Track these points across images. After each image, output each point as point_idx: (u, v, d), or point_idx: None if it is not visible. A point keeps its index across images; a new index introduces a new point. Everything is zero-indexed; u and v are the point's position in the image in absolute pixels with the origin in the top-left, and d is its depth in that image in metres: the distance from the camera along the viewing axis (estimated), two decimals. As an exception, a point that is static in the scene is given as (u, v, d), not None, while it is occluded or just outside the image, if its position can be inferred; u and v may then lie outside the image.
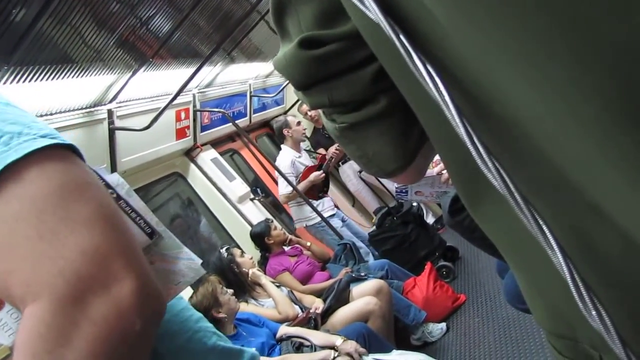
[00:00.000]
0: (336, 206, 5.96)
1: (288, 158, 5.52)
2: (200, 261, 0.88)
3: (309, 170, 5.48)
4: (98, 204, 0.68)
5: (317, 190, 5.42)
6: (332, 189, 6.23)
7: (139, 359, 0.64)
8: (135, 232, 0.83)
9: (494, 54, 0.38)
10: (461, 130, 0.41)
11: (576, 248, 0.43)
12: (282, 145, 5.78)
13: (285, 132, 5.67)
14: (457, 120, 0.40)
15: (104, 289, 0.61)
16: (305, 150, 5.94)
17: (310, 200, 5.30)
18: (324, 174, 5.42)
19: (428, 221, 5.66)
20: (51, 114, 3.33)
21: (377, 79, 0.53)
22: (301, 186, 5.28)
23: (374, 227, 5.34)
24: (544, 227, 0.40)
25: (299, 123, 5.77)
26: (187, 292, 3.84)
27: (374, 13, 0.42)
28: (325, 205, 5.53)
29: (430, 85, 0.41)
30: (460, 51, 0.41)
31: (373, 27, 0.45)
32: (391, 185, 5.88)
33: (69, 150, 0.74)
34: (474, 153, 0.41)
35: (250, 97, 6.38)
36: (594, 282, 0.41)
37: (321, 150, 6.13)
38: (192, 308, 1.29)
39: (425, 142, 0.58)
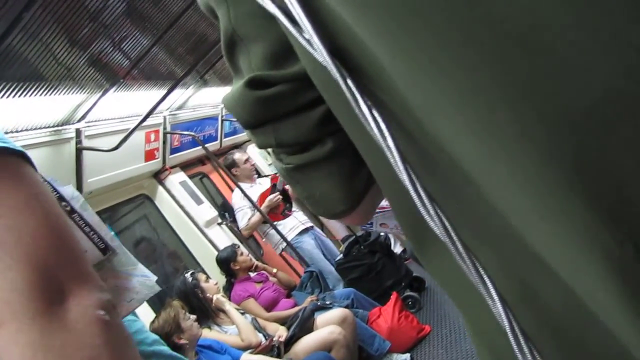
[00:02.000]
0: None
1: (237, 193, 5.51)
2: (155, 278, 0.86)
3: (263, 195, 5.47)
4: (45, 215, 0.66)
5: (279, 211, 5.42)
6: (301, 214, 6.22)
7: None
8: (88, 247, 0.81)
9: (438, 102, 0.39)
10: (404, 177, 0.41)
11: (519, 297, 0.43)
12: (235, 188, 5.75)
13: (234, 171, 5.66)
14: (401, 166, 0.41)
15: (58, 302, 0.60)
16: (258, 179, 5.95)
17: (279, 222, 5.32)
18: (279, 194, 5.41)
19: (395, 251, 5.66)
20: (17, 132, 3.27)
21: (324, 121, 0.53)
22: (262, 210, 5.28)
23: (341, 255, 5.33)
24: (485, 277, 0.40)
25: (246, 161, 5.76)
26: (148, 315, 3.78)
27: (322, 55, 0.43)
28: (295, 222, 5.51)
29: (375, 130, 0.41)
30: (405, 97, 0.41)
31: (321, 69, 0.45)
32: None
33: (21, 158, 0.70)
34: (416, 200, 0.41)
35: (222, 121, 6.37)
36: (536, 333, 0.41)
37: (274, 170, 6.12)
38: (147, 331, 1.26)
39: (372, 184, 0.58)
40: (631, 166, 0.34)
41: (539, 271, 0.42)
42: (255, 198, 5.44)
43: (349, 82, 0.42)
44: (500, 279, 0.41)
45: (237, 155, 5.73)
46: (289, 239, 5.34)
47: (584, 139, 0.34)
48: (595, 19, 0.32)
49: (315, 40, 0.43)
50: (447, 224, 0.41)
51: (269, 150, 0.59)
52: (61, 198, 0.81)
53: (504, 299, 0.40)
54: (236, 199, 5.52)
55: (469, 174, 0.41)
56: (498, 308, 0.40)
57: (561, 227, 0.37)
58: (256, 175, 5.98)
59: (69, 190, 0.84)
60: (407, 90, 0.40)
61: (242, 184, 5.53)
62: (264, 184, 5.79)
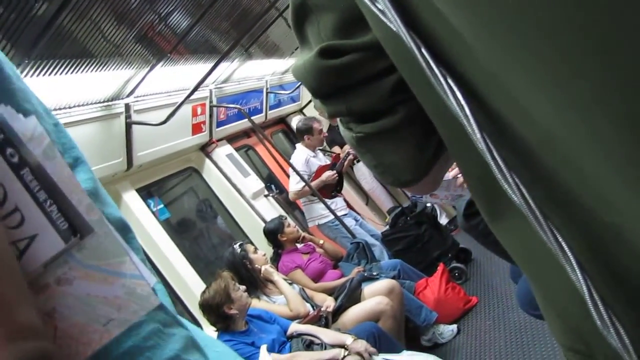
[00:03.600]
0: (349, 207, 5.95)
1: (302, 156, 5.52)
2: (154, 282, 0.55)
3: (322, 169, 5.46)
4: None
5: (330, 190, 5.41)
6: (347, 187, 6.22)
7: None
8: (38, 225, 0.48)
9: (516, 72, 0.38)
10: (481, 145, 0.41)
11: (595, 266, 0.43)
12: (297, 145, 5.78)
13: (305, 137, 5.64)
14: (478, 134, 0.40)
15: None
16: (319, 149, 5.93)
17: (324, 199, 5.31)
18: (337, 174, 5.41)
19: (442, 222, 5.64)
20: (69, 107, 3.36)
21: (396, 90, 0.53)
22: (313, 184, 5.27)
23: (387, 227, 5.33)
24: (563, 244, 0.40)
25: (320, 131, 5.74)
26: (198, 286, 3.86)
27: (396, 25, 0.42)
28: (338, 204, 5.52)
29: (451, 98, 0.41)
30: (482, 67, 0.41)
31: (394, 38, 0.45)
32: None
33: None
34: (493, 168, 0.41)
35: (267, 93, 6.39)
36: (612, 300, 0.41)
37: (336, 149, 6.12)
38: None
39: (441, 154, 0.58)
40: None
41: (615, 240, 0.42)
42: (314, 168, 5.45)
43: (424, 50, 0.42)
44: (575, 248, 0.41)
45: (316, 125, 5.69)
46: (330, 217, 5.33)
47: None
48: None
49: (389, 9, 0.42)
50: (524, 192, 0.40)
51: (339, 119, 0.59)
52: (7, 141, 0.50)
53: (582, 266, 0.40)
54: (299, 161, 5.51)
55: (547, 142, 0.40)
56: (577, 274, 0.40)
57: (637, 195, 0.36)
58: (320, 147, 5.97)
59: (28, 125, 0.50)
60: (484, 59, 0.40)
61: (305, 149, 5.55)
62: (322, 159, 5.80)
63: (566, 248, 0.40)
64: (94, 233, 0.50)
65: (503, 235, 0.54)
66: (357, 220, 5.63)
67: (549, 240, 0.40)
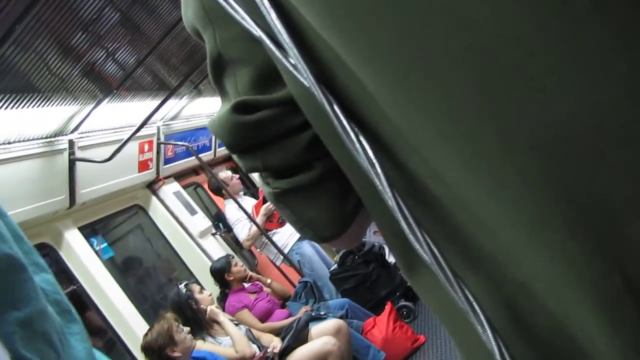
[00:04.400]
0: None
1: (233, 206, 5.47)
2: None
3: (257, 206, 5.46)
4: None
5: (276, 219, 5.41)
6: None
7: None
8: None
9: (422, 133, 0.39)
10: (391, 202, 0.41)
11: (507, 323, 0.43)
12: (224, 202, 5.72)
13: (224, 192, 5.62)
14: (388, 192, 0.40)
15: None
16: (243, 194, 5.93)
17: (276, 230, 5.32)
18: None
19: (390, 260, 5.65)
20: (9, 143, 3.26)
21: (312, 145, 0.53)
22: (258, 221, 5.25)
23: (335, 265, 5.32)
24: (474, 304, 0.40)
25: (232, 178, 5.73)
26: (142, 328, 3.76)
27: (308, 80, 0.42)
28: (291, 230, 5.50)
29: (362, 156, 0.41)
30: (394, 125, 0.41)
31: (308, 94, 0.44)
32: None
33: None
34: (403, 225, 0.41)
35: (216, 130, 6.35)
36: (525, 358, 0.41)
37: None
38: None
39: (361, 208, 0.57)
40: (619, 196, 0.34)
41: (527, 299, 0.42)
42: (248, 211, 5.43)
43: (336, 107, 0.42)
44: (488, 306, 0.41)
45: (222, 176, 5.68)
46: (289, 245, 5.31)
47: (570, 168, 0.34)
48: (580, 49, 0.32)
49: (301, 64, 0.42)
50: (435, 250, 0.40)
51: (258, 174, 0.59)
52: None
53: (493, 326, 0.40)
54: (231, 213, 5.49)
55: (457, 201, 0.41)
56: (488, 334, 0.40)
57: (548, 257, 0.37)
58: (242, 191, 5.96)
59: None
60: (394, 117, 0.40)
61: (232, 202, 5.53)
62: (249, 200, 5.80)
63: (477, 307, 0.40)
64: None
65: (420, 289, 0.54)
66: (317, 250, 5.61)
67: (459, 299, 0.40)
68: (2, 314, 0.45)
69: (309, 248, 5.45)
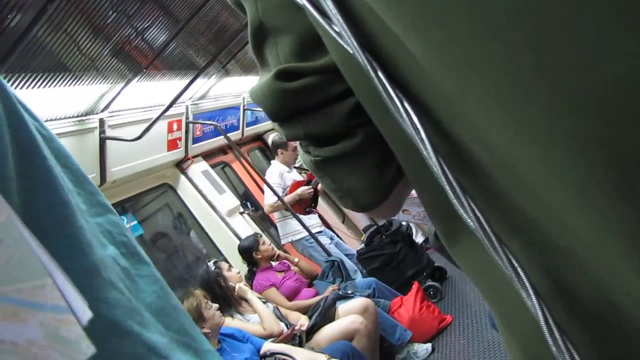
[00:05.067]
0: (325, 224, 5.95)
1: (276, 170, 5.51)
2: (89, 317, 0.37)
3: (297, 184, 5.44)
4: None
5: (305, 206, 5.40)
6: (323, 204, 6.23)
7: None
8: None
9: (470, 96, 0.38)
10: (436, 169, 0.40)
11: (550, 290, 0.43)
12: (272, 161, 5.78)
13: (279, 151, 5.65)
14: (433, 158, 0.40)
15: None
16: (295, 168, 5.94)
17: (299, 214, 5.31)
18: (312, 189, 5.41)
19: (417, 240, 5.66)
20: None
21: (353, 113, 0.53)
22: (288, 199, 5.25)
23: (363, 245, 5.33)
24: (519, 269, 0.40)
25: (295, 148, 5.73)
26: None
27: (352, 47, 0.42)
28: (312, 221, 5.51)
29: (407, 122, 0.41)
30: (438, 90, 0.41)
31: (351, 61, 0.44)
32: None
33: None
34: (448, 192, 0.41)
35: (244, 110, 6.39)
36: (568, 326, 0.41)
37: None
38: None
39: (401, 177, 0.57)
40: None
41: (570, 264, 0.42)
42: (289, 182, 5.43)
43: (380, 73, 0.42)
44: (532, 273, 0.41)
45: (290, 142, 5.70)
46: (302, 234, 5.33)
47: (618, 131, 0.33)
48: (630, 5, 0.31)
49: (346, 31, 0.42)
50: (480, 216, 0.40)
51: (298, 142, 0.59)
52: None
53: (537, 292, 0.40)
54: (273, 175, 5.49)
55: (502, 166, 0.41)
56: (532, 300, 0.40)
57: (594, 222, 0.36)
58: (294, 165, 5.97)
59: None
60: (438, 83, 0.40)
61: (280, 165, 5.55)
62: (295, 174, 5.80)
63: (521, 273, 0.40)
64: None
65: (461, 258, 0.54)
66: (332, 239, 5.62)
67: (503, 264, 0.40)
68: (67, 264, 0.42)
69: (325, 239, 5.44)
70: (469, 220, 0.40)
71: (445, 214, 0.50)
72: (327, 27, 0.44)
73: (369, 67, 0.42)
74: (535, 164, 0.37)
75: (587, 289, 0.42)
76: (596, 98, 0.33)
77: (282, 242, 5.51)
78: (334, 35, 0.44)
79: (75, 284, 0.34)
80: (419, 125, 0.41)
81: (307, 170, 6.02)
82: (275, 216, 5.61)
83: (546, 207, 0.39)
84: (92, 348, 0.37)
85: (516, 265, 0.40)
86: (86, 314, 0.36)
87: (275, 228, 5.76)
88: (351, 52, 0.43)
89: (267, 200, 5.36)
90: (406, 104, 0.41)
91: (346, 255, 5.39)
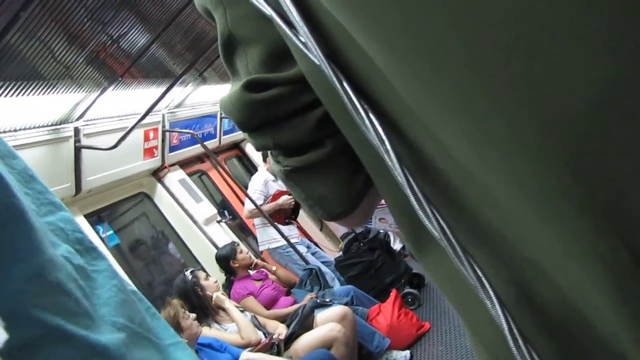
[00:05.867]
0: (304, 234, 5.96)
1: (262, 177, 5.51)
2: (3, 340, 0.38)
3: (280, 194, 5.46)
4: None
5: (285, 216, 5.40)
6: (301, 212, 6.23)
7: None
8: None
9: (433, 106, 0.39)
10: (401, 179, 0.41)
11: (515, 300, 0.43)
12: (259, 167, 5.77)
13: (267, 159, 5.65)
14: (398, 169, 0.41)
15: None
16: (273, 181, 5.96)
17: (277, 224, 5.31)
18: (293, 200, 5.41)
19: (395, 248, 5.67)
20: (15, 131, 3.27)
21: (322, 123, 0.53)
22: (268, 207, 5.25)
23: (341, 253, 5.34)
24: (483, 279, 0.40)
25: None
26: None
27: (318, 58, 0.43)
28: (290, 232, 5.50)
29: (372, 133, 0.41)
30: (402, 101, 0.41)
31: (318, 72, 0.45)
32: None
33: None
34: (413, 201, 0.41)
35: (221, 118, 6.37)
36: (533, 335, 0.41)
37: None
38: None
39: (371, 186, 0.58)
40: (628, 172, 0.34)
41: (535, 275, 0.42)
42: (272, 191, 5.42)
43: (345, 84, 0.42)
44: (497, 282, 0.41)
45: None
46: (282, 243, 5.30)
47: (578, 143, 0.34)
48: (589, 23, 0.32)
49: (311, 42, 0.42)
50: (444, 225, 0.41)
51: (269, 152, 0.59)
52: None
53: (502, 301, 0.40)
54: (256, 182, 5.48)
55: (466, 176, 0.41)
56: (496, 309, 0.40)
57: (556, 232, 0.37)
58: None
59: None
60: (402, 93, 0.40)
61: (266, 172, 5.54)
62: (282, 186, 5.80)
63: (486, 283, 0.40)
64: None
65: (429, 267, 0.54)
66: (309, 248, 5.63)
67: (468, 274, 0.40)
68: (8, 268, 0.42)
69: (302, 248, 5.45)
70: (432, 230, 0.41)
71: (412, 224, 0.50)
72: (293, 37, 0.44)
73: (334, 77, 0.42)
74: (499, 174, 0.38)
75: (552, 299, 0.42)
76: (562, 111, 0.34)
77: (260, 248, 5.49)
78: (300, 45, 0.44)
79: (12, 291, 0.35)
80: (383, 136, 0.41)
81: None
82: (255, 222, 5.60)
83: (510, 218, 0.40)
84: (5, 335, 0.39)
85: (480, 274, 0.40)
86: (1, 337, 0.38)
87: (254, 237, 5.74)
88: (317, 62, 0.43)
89: (247, 205, 5.35)
90: (371, 115, 0.42)
91: (323, 263, 5.39)
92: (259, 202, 5.24)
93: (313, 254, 5.57)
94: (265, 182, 5.43)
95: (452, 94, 0.37)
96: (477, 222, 0.43)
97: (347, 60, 0.43)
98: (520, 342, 0.40)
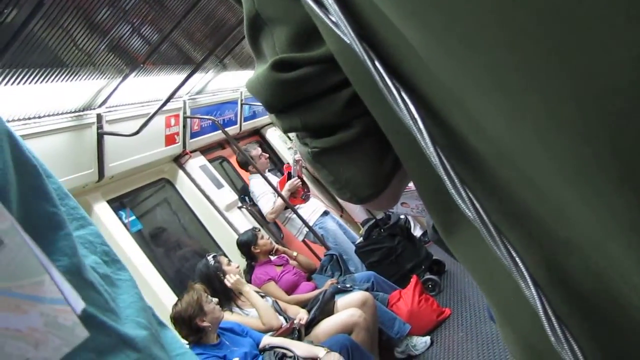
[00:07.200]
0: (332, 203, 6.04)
1: (260, 180, 5.55)
2: (81, 307, 0.42)
3: (282, 182, 5.58)
4: None
5: (299, 194, 5.48)
6: (322, 198, 6.24)
7: None
8: None
9: (469, 85, 0.38)
10: (434, 158, 0.40)
11: (549, 280, 0.43)
12: (250, 177, 5.78)
13: (251, 168, 5.69)
14: (431, 148, 0.40)
15: None
16: (269, 171, 6.02)
17: (299, 205, 5.41)
18: (297, 179, 5.48)
19: (415, 234, 5.66)
20: (39, 117, 3.31)
21: (351, 104, 0.53)
22: (284, 195, 5.33)
23: (361, 239, 5.34)
24: (517, 259, 0.40)
25: (260, 156, 5.82)
26: (170, 298, 3.82)
27: (349, 37, 0.42)
28: (315, 206, 5.57)
29: (405, 112, 0.41)
30: (436, 80, 0.41)
31: (348, 51, 0.44)
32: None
33: None
34: (446, 181, 0.41)
35: (241, 105, 6.38)
36: (566, 315, 0.41)
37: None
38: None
39: (399, 167, 0.57)
40: None
41: (569, 255, 0.42)
42: (275, 182, 5.50)
43: (377, 63, 0.42)
44: (530, 263, 0.41)
45: (253, 153, 5.75)
46: (312, 220, 5.41)
47: (617, 119, 0.33)
48: None
49: (342, 21, 0.42)
50: (478, 206, 0.40)
51: (292, 134, 0.59)
52: None
53: (536, 282, 0.40)
54: (256, 187, 5.56)
55: (500, 155, 0.40)
56: (531, 291, 0.40)
57: (595, 211, 0.36)
58: (268, 169, 6.05)
59: None
60: (436, 72, 0.40)
61: (259, 175, 5.58)
62: (273, 177, 5.87)
63: (520, 263, 0.40)
64: (3, 245, 0.39)
65: (458, 250, 0.54)
66: (340, 226, 5.66)
67: (502, 255, 0.40)
68: (54, 264, 0.46)
69: (332, 223, 5.52)
70: (467, 211, 0.40)
71: (443, 205, 0.50)
72: (323, 17, 0.44)
73: (365, 57, 0.42)
74: (535, 151, 0.37)
75: (586, 279, 0.42)
76: (600, 85, 0.33)
77: (300, 238, 5.57)
78: (331, 25, 0.44)
79: None
80: (416, 116, 0.41)
81: (281, 170, 6.12)
82: (279, 221, 5.67)
83: (545, 197, 0.39)
84: (86, 332, 0.42)
85: (515, 255, 0.40)
86: (80, 305, 0.42)
87: (274, 222, 5.76)
88: (348, 42, 0.43)
89: (265, 209, 5.43)
90: (404, 94, 0.41)
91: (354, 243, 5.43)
92: (271, 201, 5.35)
93: (345, 232, 5.62)
94: (264, 182, 5.47)
95: (487, 71, 0.36)
96: (511, 203, 0.43)
97: (378, 39, 0.43)
98: (555, 323, 0.39)
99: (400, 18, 0.40)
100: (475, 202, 0.40)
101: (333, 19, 0.43)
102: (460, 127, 0.43)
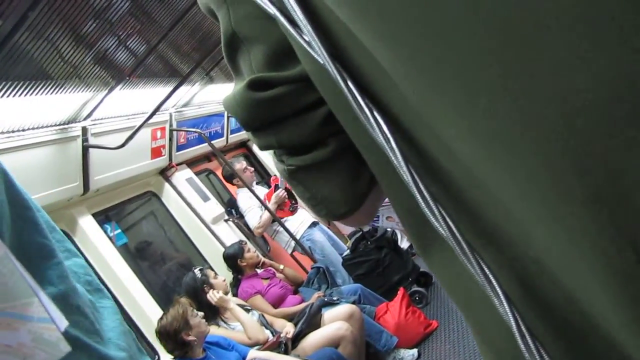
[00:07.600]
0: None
1: (246, 194, 5.56)
2: (65, 325, 0.46)
3: (269, 194, 5.59)
4: None
5: (287, 206, 5.48)
6: (309, 211, 6.24)
7: None
8: None
9: (436, 107, 0.39)
10: (407, 177, 0.41)
11: (522, 299, 0.43)
12: (237, 191, 5.79)
13: (235, 181, 5.70)
14: (404, 167, 0.41)
15: None
16: (256, 184, 6.01)
17: (287, 218, 5.41)
18: (284, 191, 5.48)
19: (402, 246, 5.66)
20: (23, 130, 3.29)
21: (326, 122, 0.53)
22: (271, 208, 5.34)
23: (348, 251, 5.34)
24: (489, 275, 0.40)
25: (245, 169, 5.83)
26: (155, 313, 3.79)
27: (322, 57, 0.43)
28: (303, 217, 5.56)
29: (377, 132, 0.41)
30: (405, 100, 0.41)
31: (321, 71, 0.45)
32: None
33: None
34: (419, 199, 0.41)
35: (228, 117, 6.37)
36: (541, 334, 0.41)
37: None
38: None
39: (375, 184, 0.57)
40: (634, 170, 0.33)
41: (540, 274, 0.42)
42: (262, 195, 5.49)
43: (350, 83, 0.42)
44: (503, 280, 0.41)
45: (237, 166, 5.75)
46: (300, 232, 5.41)
47: (581, 141, 0.34)
48: (595, 20, 0.32)
49: (315, 41, 0.42)
50: (451, 224, 0.40)
51: (272, 151, 0.59)
52: None
53: (509, 298, 0.40)
54: (243, 201, 5.56)
55: (469, 176, 0.41)
56: (504, 307, 0.40)
57: (561, 232, 0.37)
58: (255, 181, 6.05)
59: None
60: (406, 93, 0.40)
61: (245, 189, 5.57)
62: (261, 189, 5.87)
63: (493, 280, 0.40)
64: None
65: (434, 267, 0.54)
66: (329, 236, 5.66)
67: (475, 272, 0.40)
68: (42, 289, 0.51)
69: (320, 235, 5.52)
70: (440, 228, 0.41)
71: (417, 223, 0.50)
72: (297, 37, 0.44)
73: (338, 77, 0.42)
74: (502, 174, 0.38)
75: (557, 297, 0.42)
76: (562, 109, 0.34)
77: (289, 251, 5.55)
78: (304, 44, 0.44)
79: None
80: (388, 135, 0.41)
81: (267, 177, 6.10)
82: (267, 235, 5.67)
83: (514, 218, 0.40)
84: (69, 347, 0.50)
85: (488, 272, 0.40)
86: (63, 323, 0.49)
87: (261, 237, 5.75)
88: (321, 62, 0.43)
89: (253, 222, 5.44)
90: (376, 114, 0.42)
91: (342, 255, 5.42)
92: (258, 215, 5.36)
93: (333, 244, 5.62)
94: (250, 196, 5.47)
95: (452, 94, 0.37)
96: (482, 222, 0.43)
97: (351, 60, 0.43)
98: (529, 338, 0.40)
99: (370, 40, 0.40)
100: (447, 219, 0.41)
101: (306, 38, 0.44)
102: (431, 148, 0.43)
